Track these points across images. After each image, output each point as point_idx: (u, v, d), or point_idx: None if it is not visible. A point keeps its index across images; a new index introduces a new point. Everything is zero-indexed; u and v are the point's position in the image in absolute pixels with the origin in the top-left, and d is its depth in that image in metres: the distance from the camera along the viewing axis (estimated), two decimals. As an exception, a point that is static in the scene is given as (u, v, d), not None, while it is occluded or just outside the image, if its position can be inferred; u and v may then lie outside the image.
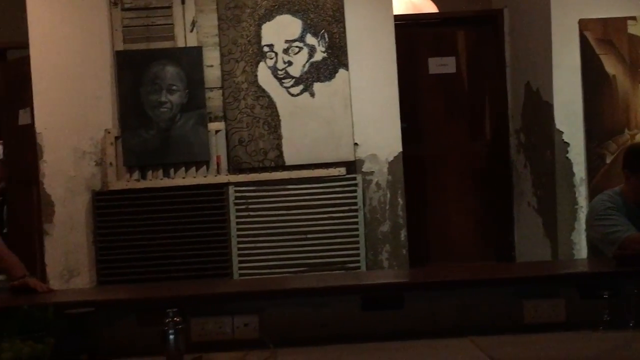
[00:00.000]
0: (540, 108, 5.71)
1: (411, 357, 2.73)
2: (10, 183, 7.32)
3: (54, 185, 5.54)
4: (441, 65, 6.34)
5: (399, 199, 5.65)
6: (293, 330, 2.95)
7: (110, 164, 5.50)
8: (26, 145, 6.47)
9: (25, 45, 6.02)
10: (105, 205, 5.48)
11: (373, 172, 5.64)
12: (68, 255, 5.52)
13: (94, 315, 2.77)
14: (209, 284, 4.19)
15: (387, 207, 5.65)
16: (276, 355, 2.75)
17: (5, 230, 7.00)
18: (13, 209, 7.21)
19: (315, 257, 5.50)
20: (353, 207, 5.54)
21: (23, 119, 6.66)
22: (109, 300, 3.04)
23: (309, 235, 5.53)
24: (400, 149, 5.65)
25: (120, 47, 5.53)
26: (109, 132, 5.52)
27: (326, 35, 5.53)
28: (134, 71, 5.49)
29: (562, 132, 5.49)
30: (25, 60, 6.09)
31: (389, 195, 5.65)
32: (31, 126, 6.17)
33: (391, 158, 5.65)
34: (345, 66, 5.55)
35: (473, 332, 2.89)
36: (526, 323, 2.94)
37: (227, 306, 2.96)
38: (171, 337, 2.70)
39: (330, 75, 5.54)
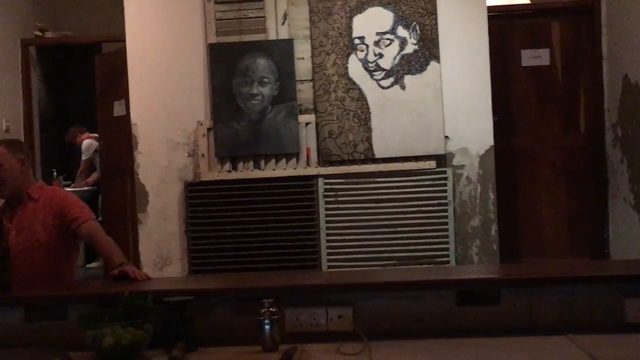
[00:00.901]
0: (639, 101, 5.53)
1: (507, 354, 2.67)
2: (105, 173, 7.52)
3: (148, 176, 5.66)
4: (535, 57, 6.21)
5: (490, 193, 5.57)
6: (387, 323, 2.92)
7: (202, 155, 5.58)
8: (121, 136, 6.65)
9: (118, 39, 6.16)
10: (197, 196, 5.56)
11: (463, 165, 5.57)
12: (161, 244, 5.64)
13: (192, 304, 2.80)
14: (303, 276, 4.19)
15: (477, 201, 5.58)
16: (370, 348, 2.73)
17: (99, 219, 7.20)
18: (107, 198, 7.42)
19: (403, 251, 5.48)
20: (443, 201, 5.49)
21: (118, 110, 6.84)
22: (206, 289, 3.06)
23: (397, 229, 5.51)
24: (492, 143, 5.58)
25: (213, 39, 5.60)
26: (201, 124, 5.60)
27: (418, 27, 5.48)
28: (226, 63, 5.56)
29: (662, 127, 5.31)
30: (120, 53, 6.24)
31: (479, 189, 5.57)
32: (125, 117, 6.32)
33: (482, 151, 5.57)
34: (437, 58, 5.49)
35: (571, 330, 2.81)
36: (628, 322, 2.84)
37: (322, 298, 2.94)
38: (267, 327, 2.72)
39: (421, 68, 5.49)
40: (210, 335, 2.84)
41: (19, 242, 3.59)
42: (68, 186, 8.63)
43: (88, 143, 9.16)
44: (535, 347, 2.71)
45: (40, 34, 7.52)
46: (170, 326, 2.76)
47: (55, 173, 8.81)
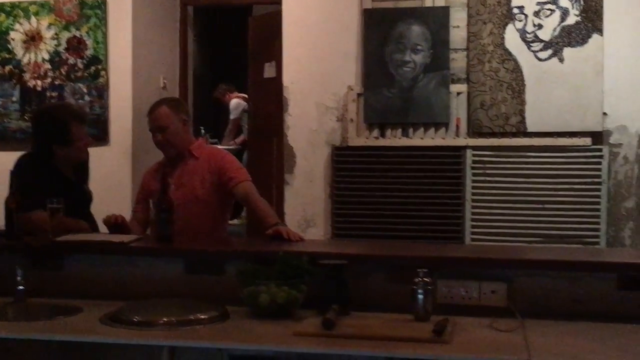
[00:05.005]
0: None
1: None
2: (252, 134, 7.68)
3: (296, 138, 5.72)
4: None
5: (649, 175, 5.33)
6: (542, 302, 2.85)
7: (351, 120, 5.59)
8: (269, 97, 6.75)
9: (268, 1, 6.20)
10: (344, 160, 5.58)
11: (621, 144, 5.33)
12: (306, 206, 5.70)
13: (347, 268, 2.82)
14: (457, 248, 4.15)
15: (633, 182, 5.34)
16: (524, 325, 2.68)
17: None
18: (253, 158, 7.57)
19: (551, 229, 5.32)
20: (596, 180, 5.29)
21: (268, 72, 6.94)
22: (360, 255, 3.08)
23: (546, 206, 5.35)
24: (654, 122, 5.31)
25: (368, 5, 5.57)
26: (352, 89, 5.60)
27: (581, -2, 5.27)
28: (380, 29, 5.52)
29: None
30: (272, 16, 6.30)
31: (636, 170, 5.33)
32: (275, 79, 6.40)
33: (643, 130, 5.32)
34: (600, 31, 5.25)
35: None
36: None
37: (475, 271, 2.91)
38: (420, 296, 2.72)
39: (582, 41, 5.27)
40: (362, 301, 2.86)
41: (178, 196, 3.70)
42: (214, 144, 8.86)
43: (236, 102, 9.38)
44: None
45: (196, -6, 7.70)
46: (325, 289, 2.80)
47: (202, 130, 9.07)
